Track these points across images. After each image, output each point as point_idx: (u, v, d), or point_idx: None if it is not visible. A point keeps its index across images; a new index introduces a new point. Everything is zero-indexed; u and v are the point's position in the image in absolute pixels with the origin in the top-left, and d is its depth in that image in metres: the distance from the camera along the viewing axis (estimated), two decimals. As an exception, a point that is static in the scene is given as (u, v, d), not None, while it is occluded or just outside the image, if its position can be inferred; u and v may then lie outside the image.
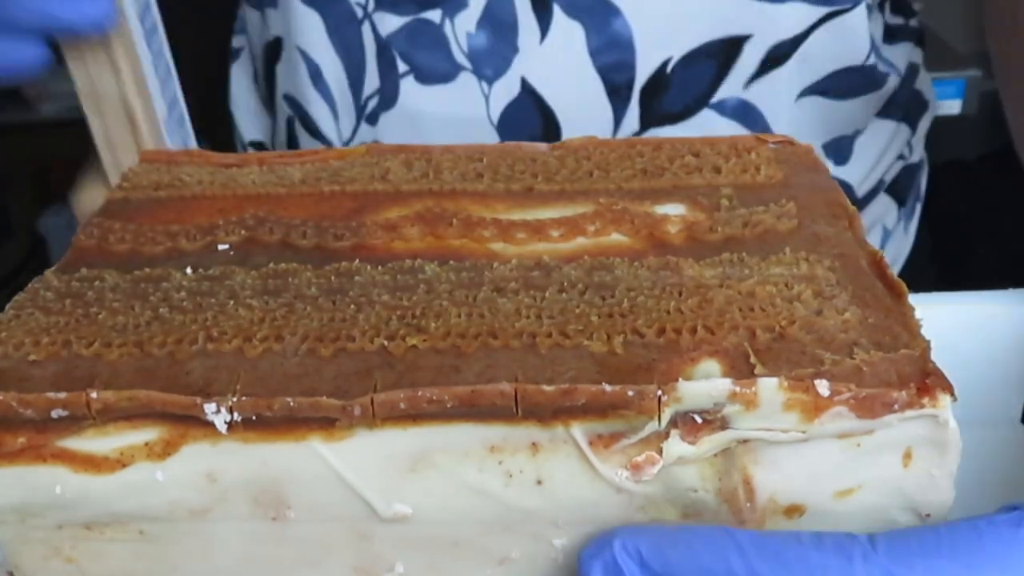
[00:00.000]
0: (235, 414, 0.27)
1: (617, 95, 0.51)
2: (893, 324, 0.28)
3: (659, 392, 0.26)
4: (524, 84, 0.51)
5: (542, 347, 0.28)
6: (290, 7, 0.53)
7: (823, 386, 0.26)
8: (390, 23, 0.52)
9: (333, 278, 0.32)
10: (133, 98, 0.41)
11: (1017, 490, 0.35)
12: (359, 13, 0.52)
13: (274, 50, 0.57)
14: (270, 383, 0.27)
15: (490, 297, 0.30)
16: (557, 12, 0.50)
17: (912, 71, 0.61)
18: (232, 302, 0.31)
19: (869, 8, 0.53)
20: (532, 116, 0.52)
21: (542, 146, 0.39)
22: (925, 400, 0.26)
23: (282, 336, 0.29)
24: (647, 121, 0.52)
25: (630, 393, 0.26)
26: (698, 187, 0.36)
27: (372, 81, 0.53)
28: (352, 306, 0.30)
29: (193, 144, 0.46)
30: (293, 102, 0.57)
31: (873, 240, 0.62)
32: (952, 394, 0.26)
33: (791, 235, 0.33)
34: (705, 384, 0.26)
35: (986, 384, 0.35)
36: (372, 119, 0.54)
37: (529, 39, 0.51)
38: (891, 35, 0.57)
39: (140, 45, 0.41)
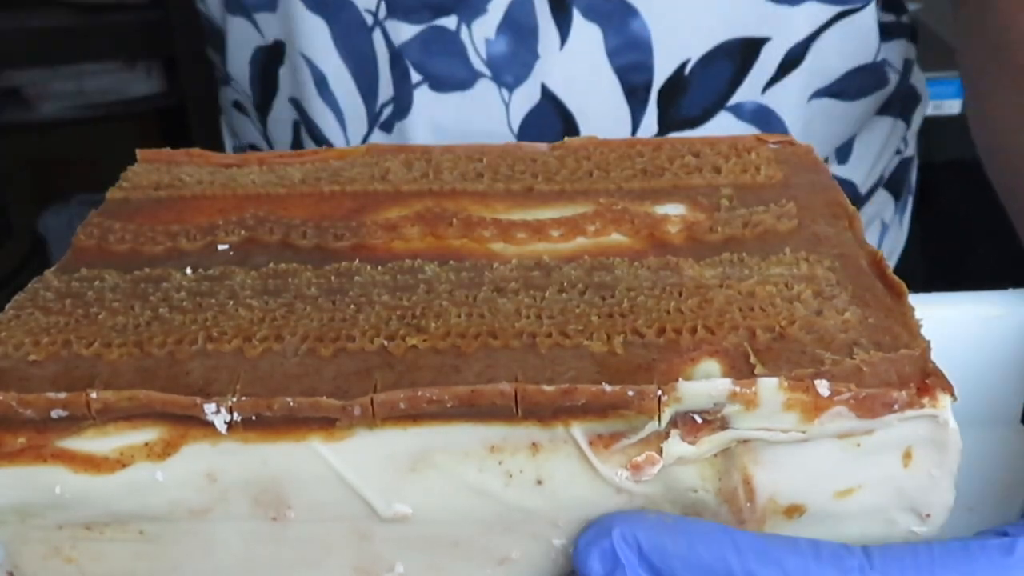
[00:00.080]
0: (235, 414, 0.27)
1: (635, 97, 0.51)
2: (893, 324, 0.28)
3: (659, 392, 0.26)
4: (544, 90, 0.50)
5: (542, 347, 0.28)
6: (292, 12, 0.52)
7: (823, 386, 0.26)
8: (403, 32, 0.50)
9: (333, 278, 0.32)
10: None
11: (1017, 490, 0.35)
12: (369, 20, 0.51)
13: (275, 53, 0.55)
14: (270, 383, 0.27)
15: (490, 297, 0.30)
16: (576, 15, 0.49)
17: (907, 67, 0.61)
18: (232, 302, 0.31)
19: None
20: (553, 122, 0.51)
21: (542, 146, 0.39)
22: (925, 400, 0.26)
23: (282, 336, 0.29)
24: (665, 125, 0.51)
25: (630, 393, 0.26)
26: (698, 187, 0.36)
27: (386, 90, 0.52)
28: (352, 306, 0.30)
29: None
30: (298, 106, 0.55)
31: (872, 234, 0.62)
32: (952, 394, 0.26)
33: (791, 235, 0.33)
34: (705, 384, 0.26)
35: (986, 384, 0.35)
36: (387, 127, 0.53)
37: (549, 44, 0.50)
38: (887, 32, 0.57)
39: None
